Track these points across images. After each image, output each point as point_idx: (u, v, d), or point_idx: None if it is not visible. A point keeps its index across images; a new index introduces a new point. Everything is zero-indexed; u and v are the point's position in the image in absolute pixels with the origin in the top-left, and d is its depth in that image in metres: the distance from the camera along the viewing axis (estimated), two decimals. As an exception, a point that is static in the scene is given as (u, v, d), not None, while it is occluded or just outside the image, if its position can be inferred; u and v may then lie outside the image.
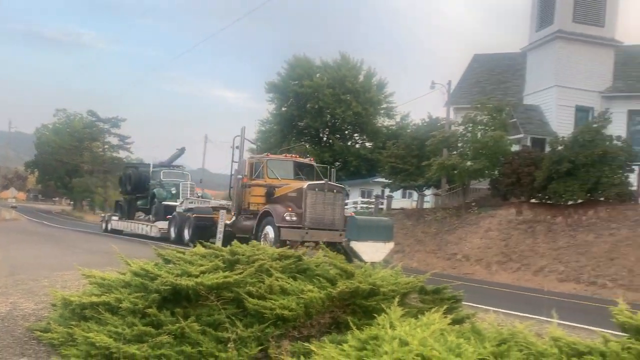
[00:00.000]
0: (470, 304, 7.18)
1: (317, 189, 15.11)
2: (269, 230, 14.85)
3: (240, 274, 4.94)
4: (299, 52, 43.64)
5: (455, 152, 23.68)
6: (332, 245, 14.86)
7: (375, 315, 4.20)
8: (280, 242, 13.85)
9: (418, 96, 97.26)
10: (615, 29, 25.23)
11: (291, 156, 18.65)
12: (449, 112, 28.98)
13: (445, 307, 4.57)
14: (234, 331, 4.43)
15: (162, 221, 22.55)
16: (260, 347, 4.43)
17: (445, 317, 4.00)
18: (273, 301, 4.64)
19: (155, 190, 25.42)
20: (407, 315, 4.14)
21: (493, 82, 31.47)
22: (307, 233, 14.55)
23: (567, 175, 19.07)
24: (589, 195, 19.13)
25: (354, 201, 34.34)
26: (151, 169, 27.25)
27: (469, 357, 3.08)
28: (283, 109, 36.87)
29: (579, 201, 19.35)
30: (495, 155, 22.01)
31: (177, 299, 4.72)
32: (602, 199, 19.18)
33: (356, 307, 4.90)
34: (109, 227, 27.78)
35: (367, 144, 39.09)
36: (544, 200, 20.57)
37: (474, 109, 23.88)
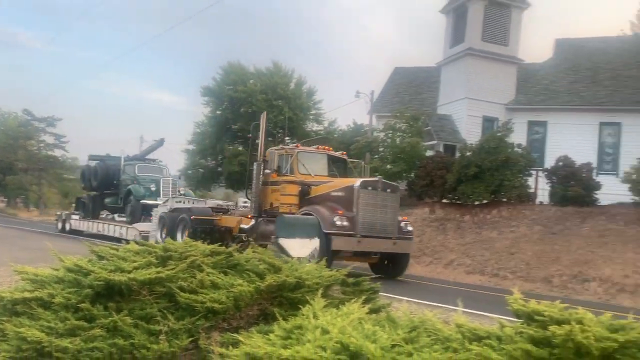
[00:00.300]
0: (387, 294, 7.34)
1: (370, 188, 12.19)
2: None
3: (172, 269, 4.84)
4: (233, 59, 42.92)
5: (377, 156, 24.13)
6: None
7: (300, 306, 4.23)
8: (331, 252, 10.80)
9: (344, 104, 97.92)
10: (518, 49, 26.44)
11: (323, 148, 15.27)
12: (372, 120, 29.51)
13: (364, 297, 4.65)
14: (165, 324, 4.34)
15: (144, 223, 19.24)
16: (191, 339, 4.36)
17: (364, 307, 4.08)
18: (204, 295, 4.58)
19: (131, 187, 21.54)
20: (329, 306, 4.19)
21: (411, 93, 32.29)
22: (359, 242, 11.75)
23: (474, 178, 19.79)
24: (493, 196, 19.93)
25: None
26: (122, 163, 23.26)
27: (383, 343, 3.17)
28: (218, 112, 36.16)
29: (484, 201, 20.14)
30: (412, 160, 22.61)
31: (110, 294, 4.56)
32: (504, 199, 20.04)
33: (283, 299, 4.90)
34: (67, 227, 23.41)
35: (297, 147, 39.20)
36: (454, 201, 21.25)
37: (393, 117, 24.49)
